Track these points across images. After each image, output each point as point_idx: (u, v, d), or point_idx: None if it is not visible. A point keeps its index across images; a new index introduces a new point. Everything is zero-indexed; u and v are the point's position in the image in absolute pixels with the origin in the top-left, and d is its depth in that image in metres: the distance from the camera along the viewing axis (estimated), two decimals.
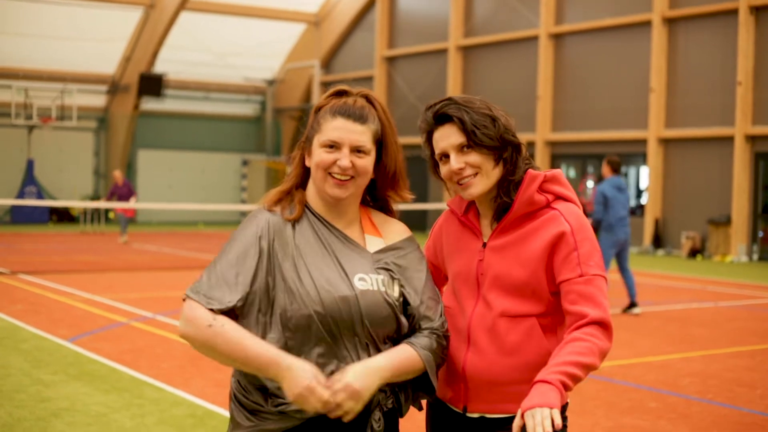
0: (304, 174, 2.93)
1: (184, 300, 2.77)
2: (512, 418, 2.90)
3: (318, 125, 2.85)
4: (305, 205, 2.90)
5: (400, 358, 2.78)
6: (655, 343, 10.72)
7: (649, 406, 7.65)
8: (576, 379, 2.69)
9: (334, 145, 2.80)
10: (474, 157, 2.88)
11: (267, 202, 2.92)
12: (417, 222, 31.00)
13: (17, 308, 12.26)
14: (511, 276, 2.90)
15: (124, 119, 33.98)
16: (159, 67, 33.49)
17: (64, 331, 10.60)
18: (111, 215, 31.57)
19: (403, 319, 2.84)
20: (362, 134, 2.82)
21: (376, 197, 3.01)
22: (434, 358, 2.85)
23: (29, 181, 32.20)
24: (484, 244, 2.98)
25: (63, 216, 33.23)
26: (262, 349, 2.65)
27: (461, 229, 3.07)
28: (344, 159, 2.78)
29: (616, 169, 13.13)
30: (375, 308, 2.77)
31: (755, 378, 8.86)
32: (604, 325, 2.78)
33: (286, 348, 2.72)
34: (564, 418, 2.97)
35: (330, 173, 2.80)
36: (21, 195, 31.68)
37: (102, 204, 23.57)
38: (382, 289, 2.80)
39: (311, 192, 2.90)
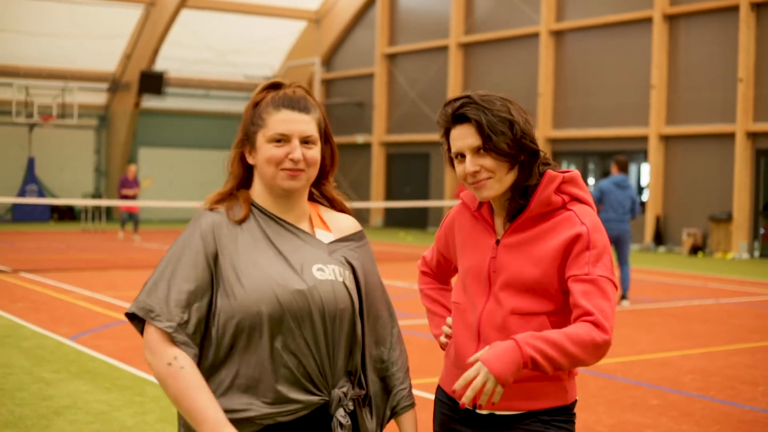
0: (245, 173, 2.83)
1: (129, 315, 2.72)
2: (521, 416, 2.93)
3: (261, 120, 2.75)
4: (251, 203, 2.81)
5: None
6: (657, 340, 10.72)
7: (650, 403, 7.65)
8: (552, 363, 2.70)
9: (282, 139, 2.72)
10: (489, 161, 2.85)
11: (209, 203, 2.82)
12: (418, 219, 30.98)
13: (18, 306, 12.27)
14: (524, 275, 2.90)
15: (125, 117, 33.98)
16: (160, 65, 33.49)
17: (65, 329, 10.61)
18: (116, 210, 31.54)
19: (357, 317, 2.80)
20: (308, 124, 2.75)
21: (320, 191, 2.94)
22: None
23: (30, 179, 32.20)
24: (498, 242, 2.97)
25: (64, 214, 33.24)
26: (208, 409, 2.56)
27: (474, 224, 3.06)
28: (296, 151, 2.71)
29: (622, 168, 13.49)
30: (334, 297, 2.72)
31: (756, 375, 8.86)
32: (600, 325, 2.75)
33: (240, 351, 2.67)
34: (572, 415, 3.00)
35: (282, 168, 2.72)
36: (22, 193, 31.69)
37: (104, 201, 23.52)
38: (340, 279, 2.76)
39: (257, 190, 2.81)
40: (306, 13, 35.30)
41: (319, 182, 2.91)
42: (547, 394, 2.93)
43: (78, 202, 26.47)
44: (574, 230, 2.85)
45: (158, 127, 35.93)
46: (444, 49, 30.75)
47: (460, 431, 3.04)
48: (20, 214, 32.09)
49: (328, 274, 2.73)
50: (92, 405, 7.20)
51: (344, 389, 2.74)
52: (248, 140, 2.78)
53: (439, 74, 30.82)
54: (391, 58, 33.09)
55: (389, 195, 32.58)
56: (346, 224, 2.92)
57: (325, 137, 2.84)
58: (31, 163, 32.45)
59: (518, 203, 2.91)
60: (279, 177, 2.72)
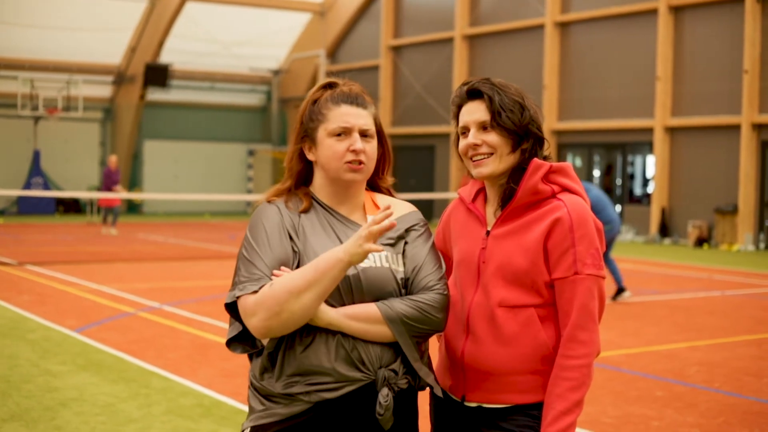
0: (304, 170, 2.93)
1: (228, 305, 2.77)
2: (508, 409, 2.91)
3: (321, 115, 2.86)
4: (312, 197, 2.91)
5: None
6: (662, 332, 10.72)
7: (655, 395, 7.65)
8: (577, 412, 2.81)
9: (343, 132, 2.82)
10: (493, 138, 2.90)
11: (268, 197, 2.94)
12: (423, 211, 30.71)
13: (24, 299, 12.29)
14: (512, 264, 2.88)
15: (130, 110, 34.00)
16: (165, 58, 33.48)
17: (71, 321, 10.63)
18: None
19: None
20: (366, 118, 2.87)
21: (373, 184, 3.05)
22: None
23: (35, 171, 32.23)
24: (488, 233, 2.97)
25: (69, 207, 33.28)
26: (320, 259, 2.68)
27: (467, 216, 3.07)
28: (357, 142, 2.81)
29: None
30: (378, 283, 2.80)
31: (762, 367, 8.86)
32: (584, 341, 2.82)
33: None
34: None
35: (345, 161, 2.82)
36: (27, 186, 31.73)
37: (109, 194, 23.41)
38: (386, 264, 2.83)
39: (317, 184, 2.92)
40: (311, 6, 35.27)
41: (373, 177, 3.01)
42: (536, 388, 2.90)
43: (83, 194, 26.46)
44: (556, 215, 2.85)
45: (163, 120, 35.94)
46: (449, 41, 30.70)
47: (450, 423, 3.05)
48: (26, 207, 32.14)
49: (372, 261, 2.81)
50: (98, 397, 7.21)
51: (394, 367, 2.79)
52: (308, 136, 2.90)
53: (444, 66, 30.77)
54: (396, 50, 33.06)
55: (394, 187, 32.25)
56: (400, 207, 3.01)
57: (379, 136, 2.93)
58: (36, 155, 32.48)
59: (511, 187, 2.91)
60: (342, 170, 2.83)
